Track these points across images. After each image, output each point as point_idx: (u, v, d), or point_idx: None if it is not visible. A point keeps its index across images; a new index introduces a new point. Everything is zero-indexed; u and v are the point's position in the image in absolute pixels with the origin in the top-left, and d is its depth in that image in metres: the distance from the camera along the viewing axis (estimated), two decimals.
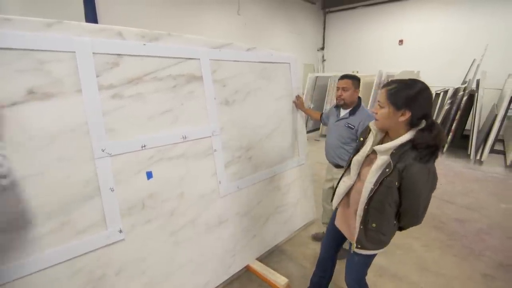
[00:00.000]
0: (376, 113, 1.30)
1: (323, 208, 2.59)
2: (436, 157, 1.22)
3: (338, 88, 2.18)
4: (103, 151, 1.42)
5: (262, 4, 8.52)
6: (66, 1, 4.61)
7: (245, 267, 2.27)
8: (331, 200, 1.62)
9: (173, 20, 6.21)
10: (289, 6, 9.49)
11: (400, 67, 7.43)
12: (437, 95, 6.40)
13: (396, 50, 9.13)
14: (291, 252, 2.56)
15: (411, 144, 1.21)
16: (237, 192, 2.12)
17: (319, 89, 7.45)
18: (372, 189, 1.28)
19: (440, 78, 7.72)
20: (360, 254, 1.45)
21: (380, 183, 1.25)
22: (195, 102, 1.85)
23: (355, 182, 1.45)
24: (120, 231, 1.49)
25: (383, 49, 9.43)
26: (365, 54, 9.91)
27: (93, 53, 1.40)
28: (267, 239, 2.45)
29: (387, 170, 1.24)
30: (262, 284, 2.17)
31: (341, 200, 1.55)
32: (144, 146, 1.58)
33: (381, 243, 1.40)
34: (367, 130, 1.45)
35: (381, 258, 2.47)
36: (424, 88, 1.22)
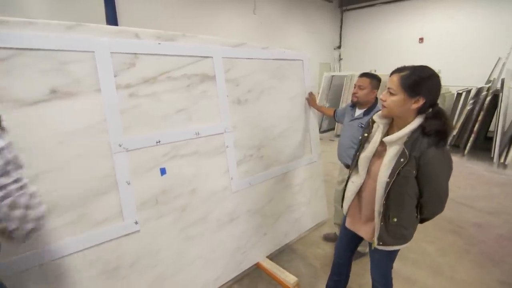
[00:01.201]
0: (385, 101, 1.25)
1: (335, 208, 2.57)
2: (446, 142, 1.20)
3: (355, 86, 2.16)
4: (120, 146, 1.49)
5: (278, 3, 8.50)
6: (88, 3, 4.79)
7: (255, 264, 2.30)
8: (341, 204, 1.59)
9: (190, 20, 6.33)
10: (305, 4, 9.41)
11: None
12: (459, 95, 6.17)
13: (416, 48, 8.88)
14: (302, 252, 2.57)
15: (421, 130, 1.19)
16: (249, 189, 2.15)
17: (335, 89, 7.35)
18: (388, 183, 1.24)
19: (462, 78, 7.44)
20: (383, 251, 1.40)
21: (397, 174, 1.21)
22: (208, 101, 1.89)
23: (365, 180, 1.40)
24: (136, 223, 1.56)
25: (402, 47, 9.18)
26: (383, 53, 9.68)
27: (111, 52, 1.46)
28: (278, 237, 2.47)
29: (402, 160, 1.20)
30: (272, 282, 2.18)
31: (352, 202, 1.50)
32: (159, 141, 1.64)
33: (403, 238, 1.35)
34: (370, 125, 1.42)
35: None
36: (435, 74, 1.20)
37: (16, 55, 1.22)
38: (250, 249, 2.22)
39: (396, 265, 2.35)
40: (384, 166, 1.26)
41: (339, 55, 11.29)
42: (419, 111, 1.21)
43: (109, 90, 1.46)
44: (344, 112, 2.38)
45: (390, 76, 1.25)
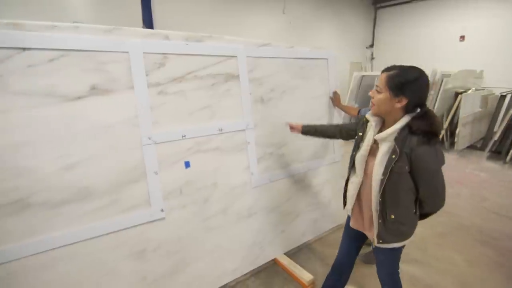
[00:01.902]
0: (373, 98, 1.30)
1: None
2: (437, 140, 1.22)
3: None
4: (149, 139, 1.62)
5: (308, 3, 8.42)
6: (127, 8, 5.13)
7: (272, 260, 2.35)
8: (344, 205, 1.60)
9: (221, 20, 6.49)
10: (337, 3, 9.22)
11: (459, 65, 6.77)
12: (503, 97, 5.71)
13: (456, 47, 8.32)
14: (320, 252, 2.57)
15: (408, 129, 1.22)
16: (268, 185, 2.21)
17: (365, 89, 7.14)
18: (382, 180, 1.26)
19: (507, 79, 6.86)
20: (385, 249, 1.41)
21: (390, 170, 1.24)
22: (232, 99, 1.98)
23: (363, 180, 1.42)
24: (162, 210, 1.69)
25: (441, 46, 8.66)
26: (419, 52, 9.19)
27: (144, 53, 1.59)
28: (296, 235, 2.50)
29: (393, 156, 1.23)
30: (288, 278, 2.22)
31: (355, 205, 1.51)
32: (184, 136, 1.75)
33: (403, 235, 1.37)
34: (363, 124, 1.44)
35: (415, 268, 2.35)
36: (423, 76, 1.22)
37: (63, 55, 1.38)
38: (268, 244, 2.28)
39: (418, 272, 2.30)
40: (377, 164, 1.28)
41: (371, 54, 10.91)
42: (406, 111, 1.24)
43: (141, 88, 1.59)
44: (367, 112, 2.34)
45: (380, 74, 1.29)
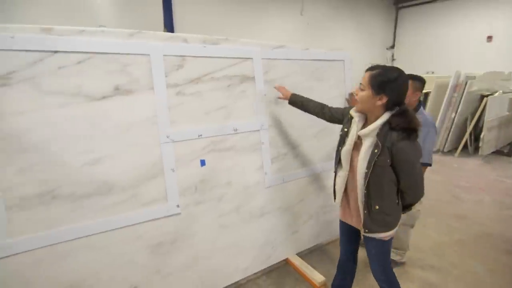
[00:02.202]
0: (357, 95, 1.39)
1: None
2: (417, 136, 1.32)
3: None
4: (167, 137, 1.69)
5: (327, 4, 8.36)
6: (149, 11, 5.32)
7: (284, 260, 2.37)
8: (334, 198, 1.66)
9: (239, 22, 6.59)
10: (356, 3, 9.09)
11: (485, 67, 6.48)
12: None
13: (483, 48, 7.99)
14: (333, 254, 2.56)
15: (389, 125, 1.32)
16: (281, 185, 2.23)
17: None
18: (366, 173, 1.36)
19: None
20: (374, 242, 1.51)
21: (374, 164, 1.33)
22: (247, 100, 2.02)
23: (349, 173, 1.51)
24: (178, 206, 1.76)
25: (466, 47, 8.34)
26: (443, 53, 8.90)
27: (164, 55, 1.67)
28: (309, 237, 2.50)
29: (376, 150, 1.33)
30: (299, 279, 2.24)
31: (343, 197, 1.61)
32: (200, 135, 1.82)
33: (388, 225, 1.45)
34: (348, 120, 1.50)
35: (431, 274, 2.30)
36: (402, 76, 1.31)
37: (90, 58, 1.48)
38: (280, 244, 2.30)
39: (434, 278, 2.25)
40: (361, 158, 1.38)
41: (392, 55, 10.66)
42: (386, 108, 1.34)
43: (161, 88, 1.67)
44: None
45: (364, 73, 1.38)
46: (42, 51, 1.38)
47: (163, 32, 1.65)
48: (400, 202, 1.46)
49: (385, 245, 1.53)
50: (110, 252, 1.60)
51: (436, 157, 5.66)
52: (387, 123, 1.32)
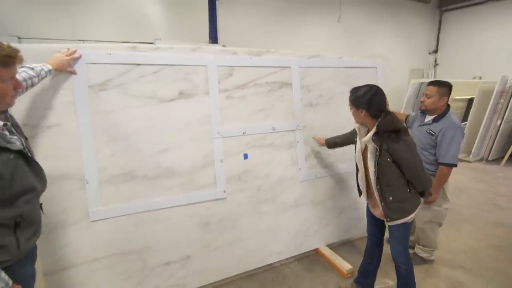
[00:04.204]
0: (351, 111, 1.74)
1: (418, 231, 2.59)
2: (403, 134, 1.57)
3: (424, 94, 2.24)
4: (218, 133, 2.05)
5: (365, 10, 8.38)
6: (197, 25, 5.90)
7: (315, 249, 2.59)
8: (359, 194, 1.94)
9: (278, 31, 6.92)
10: (396, 8, 8.96)
11: None
12: None
13: None
14: (361, 248, 2.65)
15: (381, 131, 1.59)
16: (314, 180, 2.47)
17: None
18: (375, 172, 1.65)
19: None
20: (396, 227, 1.74)
21: (378, 164, 1.62)
22: (285, 103, 2.32)
23: (366, 173, 1.78)
24: (224, 192, 2.09)
25: None
26: (491, 57, 8.40)
27: (217, 66, 2.03)
28: (339, 230, 2.69)
29: (377, 153, 1.61)
30: (328, 267, 2.44)
31: (367, 193, 1.87)
32: (244, 132, 2.14)
33: (405, 211, 1.70)
34: (356, 131, 1.82)
35: (461, 274, 2.36)
36: (371, 90, 1.61)
37: (162, 69, 1.89)
38: (312, 234, 2.53)
39: (464, 278, 2.34)
40: (369, 160, 1.68)
41: (435, 60, 10.24)
42: (372, 117, 1.62)
43: (214, 93, 2.03)
44: (415, 118, 2.45)
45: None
46: (129, 64, 1.81)
47: (217, 46, 2.01)
48: (412, 190, 1.68)
49: (407, 227, 1.77)
50: (170, 225, 1.98)
51: (480, 166, 5.42)
52: (381, 129, 1.59)
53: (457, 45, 9.46)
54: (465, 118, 6.17)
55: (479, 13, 8.70)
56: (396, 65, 9.13)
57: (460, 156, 5.83)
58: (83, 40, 5.00)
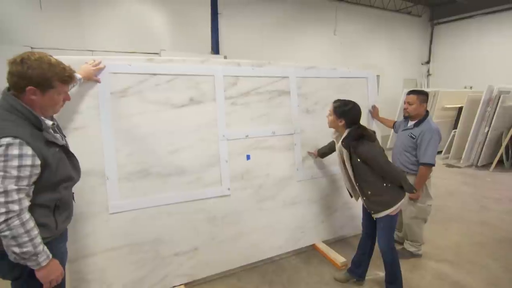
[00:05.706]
0: (328, 118, 2.06)
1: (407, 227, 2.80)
2: (367, 139, 1.88)
3: (405, 102, 2.50)
4: (223, 136, 2.27)
5: (360, 23, 8.76)
6: (200, 36, 6.19)
7: (312, 245, 2.79)
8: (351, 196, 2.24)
9: (276, 42, 7.24)
10: (390, 21, 9.38)
11: None
12: None
13: None
14: (355, 245, 2.83)
15: (350, 137, 1.92)
16: (310, 180, 2.69)
17: None
18: (352, 171, 1.95)
19: None
20: (382, 218, 1.96)
21: (351, 164, 1.93)
22: (283, 110, 2.56)
23: (347, 174, 2.05)
24: (228, 189, 2.31)
25: (503, 62, 8.17)
26: (480, 68, 8.78)
27: (223, 75, 2.27)
28: (333, 227, 2.89)
29: (349, 156, 1.92)
30: (324, 260, 2.64)
31: (355, 191, 2.13)
32: (247, 135, 2.37)
33: (385, 203, 1.93)
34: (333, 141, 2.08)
35: (447, 266, 2.56)
36: (355, 106, 1.96)
37: (175, 78, 2.13)
38: (309, 230, 2.73)
39: (449, 270, 2.53)
40: (346, 162, 1.98)
41: (428, 71, 10.63)
42: (347, 126, 1.97)
43: (220, 100, 2.27)
44: (400, 123, 2.70)
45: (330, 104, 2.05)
46: (147, 73, 2.05)
47: (223, 58, 2.26)
48: (388, 184, 1.93)
49: (392, 221, 1.99)
50: (181, 219, 2.18)
51: (469, 171, 5.66)
52: (348, 136, 1.93)
53: (448, 56, 9.86)
54: (455, 125, 6.45)
55: (469, 26, 9.13)
56: (390, 75, 9.48)
57: (451, 161, 6.09)
58: (92, 51, 5.27)
